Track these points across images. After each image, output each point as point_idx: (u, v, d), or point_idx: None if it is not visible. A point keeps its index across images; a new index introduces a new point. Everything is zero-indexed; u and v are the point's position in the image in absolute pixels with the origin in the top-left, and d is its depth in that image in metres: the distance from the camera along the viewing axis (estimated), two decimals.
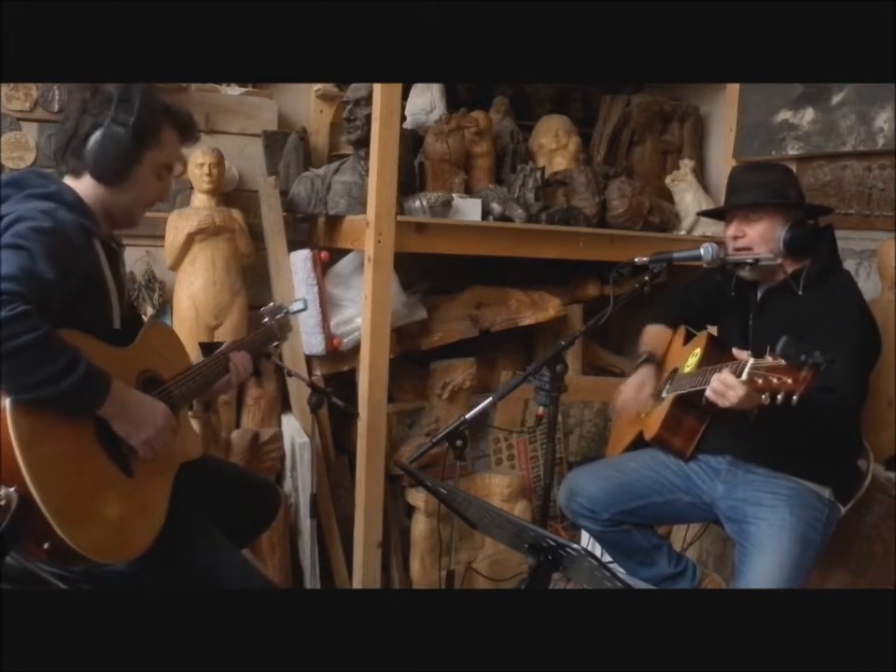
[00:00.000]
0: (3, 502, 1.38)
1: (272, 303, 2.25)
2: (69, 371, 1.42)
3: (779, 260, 2.07)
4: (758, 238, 2.08)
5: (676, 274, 2.79)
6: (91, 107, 1.63)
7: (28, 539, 1.43)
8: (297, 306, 2.26)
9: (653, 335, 2.40)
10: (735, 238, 2.11)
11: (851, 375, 1.87)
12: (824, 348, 1.87)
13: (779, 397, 1.57)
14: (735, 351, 1.72)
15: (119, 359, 1.63)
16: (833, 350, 1.83)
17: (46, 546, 1.42)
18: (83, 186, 1.66)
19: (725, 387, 1.70)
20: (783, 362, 1.57)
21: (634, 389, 2.26)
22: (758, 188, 2.10)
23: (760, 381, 1.60)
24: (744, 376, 1.63)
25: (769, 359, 1.60)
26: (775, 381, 1.58)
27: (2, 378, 1.39)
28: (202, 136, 2.79)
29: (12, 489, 1.38)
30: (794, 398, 1.56)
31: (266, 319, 2.16)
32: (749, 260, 2.08)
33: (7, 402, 1.40)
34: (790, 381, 1.56)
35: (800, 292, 2.06)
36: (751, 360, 1.63)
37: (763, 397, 1.60)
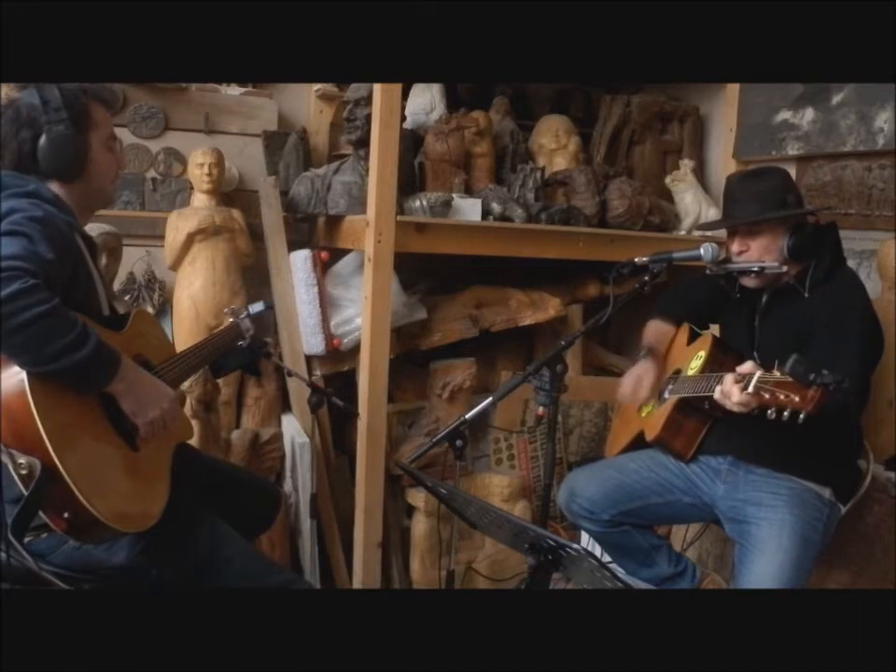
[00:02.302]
0: (25, 471, 1.39)
1: (233, 306, 2.27)
2: (82, 342, 1.44)
3: (785, 268, 2.07)
4: (762, 250, 2.07)
5: (676, 274, 2.79)
6: (22, 123, 1.64)
7: (48, 509, 1.44)
8: (256, 308, 2.26)
9: (655, 330, 2.39)
10: (740, 253, 2.10)
11: (857, 374, 1.86)
12: (829, 348, 1.86)
13: (786, 413, 1.56)
14: (738, 367, 1.70)
15: (115, 342, 1.65)
16: (836, 349, 1.83)
17: (66, 515, 1.43)
18: (53, 188, 1.68)
19: (731, 401, 1.69)
20: (791, 379, 1.56)
21: (631, 385, 2.25)
22: (756, 199, 2.08)
23: (766, 395, 1.59)
24: (750, 389, 1.62)
25: (777, 374, 1.59)
26: (782, 397, 1.57)
27: (20, 350, 1.40)
28: (205, 135, 2.87)
29: (34, 457, 1.39)
30: (801, 416, 1.55)
31: (231, 319, 2.19)
32: (755, 268, 2.07)
33: (24, 373, 1.41)
34: (797, 399, 1.55)
35: (806, 294, 2.06)
36: (758, 373, 1.62)
37: (770, 412, 1.59)
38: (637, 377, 2.25)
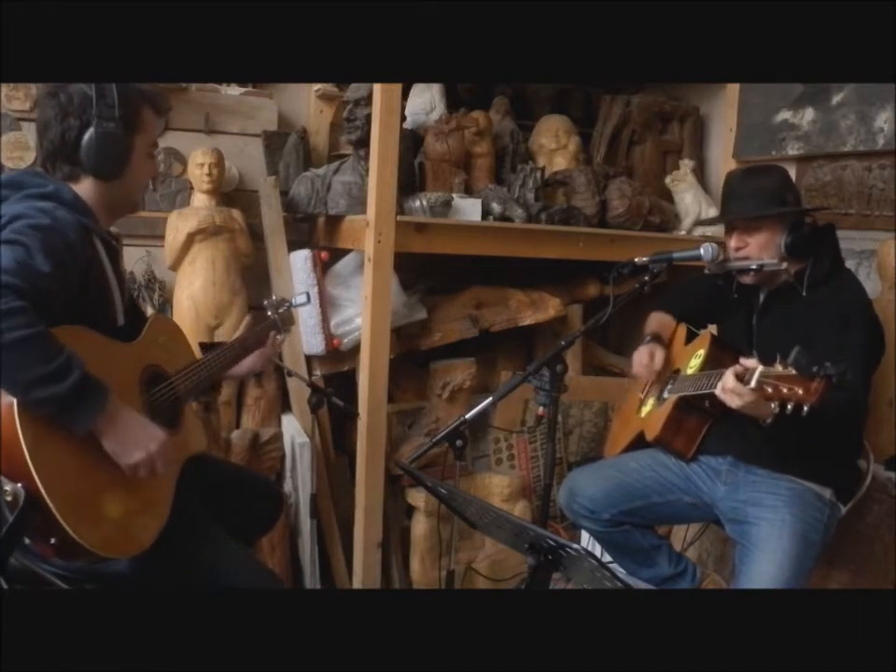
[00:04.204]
0: (9, 498, 1.37)
1: (274, 297, 2.27)
2: (63, 375, 1.38)
3: (784, 265, 2.07)
4: (760, 247, 2.07)
5: (676, 274, 2.79)
6: (70, 111, 1.61)
7: (35, 535, 1.43)
8: (300, 300, 2.29)
9: (658, 320, 2.39)
10: (738, 249, 2.11)
11: (859, 375, 1.86)
12: (831, 349, 1.87)
13: (789, 406, 1.56)
14: (742, 360, 1.70)
15: (124, 355, 1.63)
16: (839, 351, 1.83)
17: (53, 542, 1.41)
18: (82, 188, 1.64)
19: (733, 394, 1.68)
20: (793, 372, 1.55)
21: (645, 356, 2.26)
22: (755, 195, 2.09)
23: (769, 389, 1.58)
24: (752, 384, 1.61)
25: (779, 368, 1.59)
26: (785, 390, 1.56)
27: None
28: (205, 135, 2.87)
29: (18, 485, 1.37)
30: (805, 408, 1.55)
31: (269, 313, 2.18)
32: (754, 266, 2.08)
33: (14, 399, 1.39)
34: (800, 391, 1.54)
35: (804, 293, 2.06)
36: (760, 368, 1.61)
37: (773, 405, 1.58)
38: (650, 351, 2.26)
